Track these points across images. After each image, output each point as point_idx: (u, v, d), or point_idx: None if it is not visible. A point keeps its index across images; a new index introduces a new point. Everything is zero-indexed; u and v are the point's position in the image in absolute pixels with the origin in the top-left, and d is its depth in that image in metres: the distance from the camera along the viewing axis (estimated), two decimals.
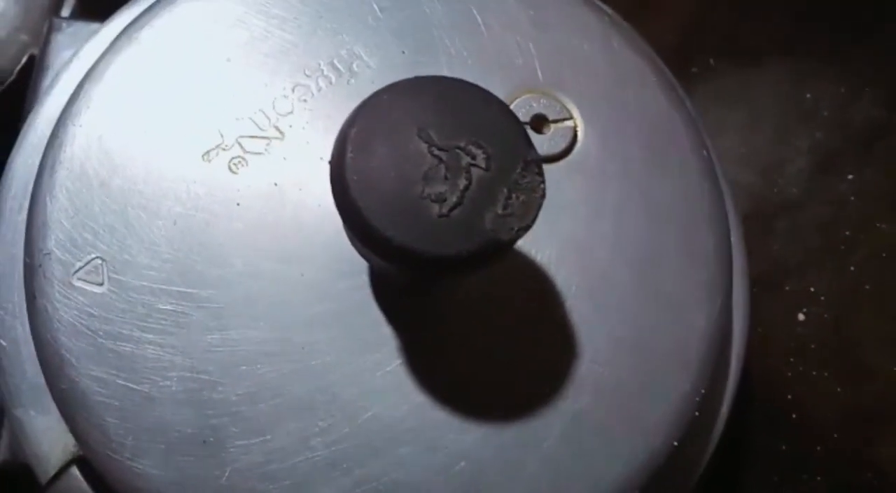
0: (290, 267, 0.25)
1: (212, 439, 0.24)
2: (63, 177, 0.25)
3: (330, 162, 0.20)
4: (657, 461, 0.26)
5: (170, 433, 0.24)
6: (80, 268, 0.24)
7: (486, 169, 0.20)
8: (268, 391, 0.24)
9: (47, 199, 0.25)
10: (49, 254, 0.24)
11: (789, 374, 0.38)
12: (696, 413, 0.27)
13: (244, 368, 0.24)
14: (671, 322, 0.27)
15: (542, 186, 0.20)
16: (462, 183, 0.19)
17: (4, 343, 0.27)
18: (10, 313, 0.27)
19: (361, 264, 0.25)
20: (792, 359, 0.39)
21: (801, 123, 0.43)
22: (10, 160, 0.28)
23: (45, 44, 0.53)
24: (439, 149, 0.19)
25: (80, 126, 0.26)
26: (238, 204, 0.25)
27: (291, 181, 0.26)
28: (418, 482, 0.25)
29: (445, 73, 0.27)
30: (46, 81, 0.55)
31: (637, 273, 0.27)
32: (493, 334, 0.26)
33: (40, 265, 0.24)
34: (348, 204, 0.19)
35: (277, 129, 0.26)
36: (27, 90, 0.52)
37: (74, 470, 0.25)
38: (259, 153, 0.26)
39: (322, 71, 0.27)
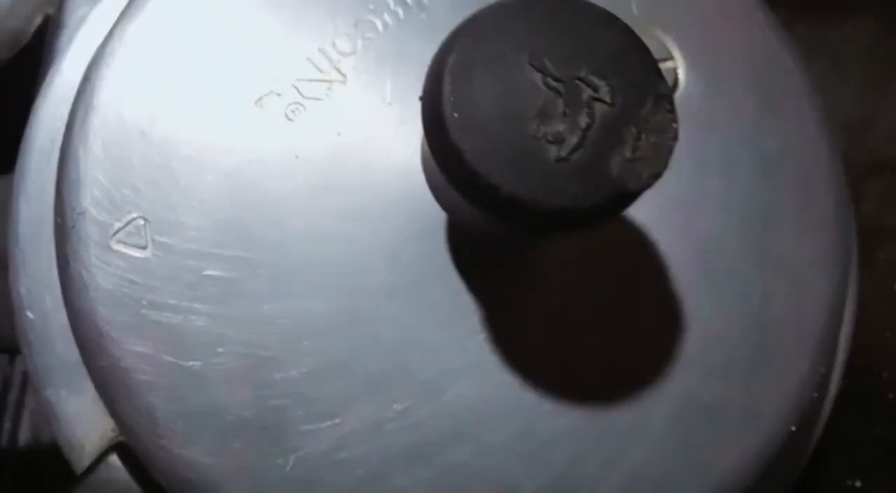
0: (356, 228, 0.22)
1: (272, 423, 0.21)
2: (97, 125, 0.22)
3: (422, 98, 0.17)
4: (772, 449, 0.23)
5: (224, 417, 0.20)
6: (120, 229, 0.21)
7: (611, 104, 0.16)
8: (335, 369, 0.21)
9: (80, 150, 0.22)
10: (84, 213, 0.21)
11: (884, 350, 0.35)
12: (815, 394, 0.24)
13: (307, 342, 0.21)
14: (787, 291, 0.24)
15: (674, 125, 0.17)
16: (584, 120, 0.16)
17: (32, 315, 0.24)
18: (38, 281, 0.24)
19: (438, 224, 0.22)
20: (888, 333, 0.35)
21: (893, 76, 0.39)
22: (33, 110, 0.25)
23: (61, 2, 0.50)
24: (555, 79, 0.16)
25: (114, 68, 0.22)
26: (297, 156, 0.22)
27: (356, 130, 0.22)
28: (506, 473, 0.21)
29: None
30: (65, 38, 0.52)
31: (749, 235, 0.24)
32: (588, 305, 0.23)
33: (74, 226, 0.21)
34: (447, 147, 0.16)
35: (338, 71, 0.23)
36: (43, 52, 0.49)
37: (114, 458, 0.22)
38: (318, 99, 0.23)
39: (388, 4, 0.24)
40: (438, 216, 0.22)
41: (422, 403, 0.21)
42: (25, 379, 0.45)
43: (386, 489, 0.21)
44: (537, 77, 0.16)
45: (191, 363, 0.21)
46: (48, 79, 0.26)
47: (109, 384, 0.21)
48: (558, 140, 0.16)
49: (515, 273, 0.23)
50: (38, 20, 0.53)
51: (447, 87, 0.16)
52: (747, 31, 0.26)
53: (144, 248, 0.21)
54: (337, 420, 0.21)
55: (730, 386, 0.23)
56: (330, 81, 0.23)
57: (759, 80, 0.25)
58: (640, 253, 0.23)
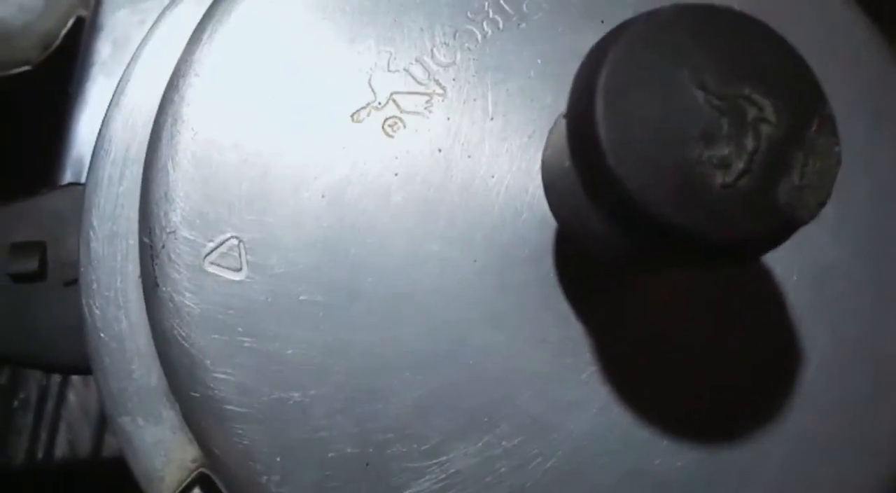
0: (459, 251, 0.21)
1: (376, 460, 0.19)
2: (186, 139, 0.20)
3: (569, 116, 0.15)
4: (891, 486, 0.22)
5: (325, 452, 0.19)
6: (213, 250, 0.20)
7: (777, 125, 0.15)
8: (439, 402, 0.20)
9: (169, 165, 0.20)
10: (174, 233, 0.20)
11: None
12: None
13: (409, 374, 0.20)
14: None
15: (837, 149, 0.16)
16: (750, 143, 0.15)
17: (106, 338, 0.22)
18: (113, 302, 0.23)
19: (545, 248, 0.21)
20: None
21: None
22: (105, 121, 0.24)
23: (96, 2, 0.49)
24: (718, 98, 0.15)
25: (203, 78, 0.21)
26: (396, 174, 0.21)
27: (458, 146, 0.21)
28: None
29: (630, 12, 0.23)
30: (101, 41, 0.50)
31: (862, 264, 0.23)
32: (701, 337, 0.21)
33: (164, 246, 0.20)
34: (600, 171, 0.15)
35: (438, 82, 0.22)
36: (77, 53, 0.48)
37: (198, 492, 0.21)
38: (418, 113, 0.21)
39: (488, 13, 0.22)
40: (545, 240, 0.21)
41: (531, 439, 0.20)
42: (63, 390, 0.44)
43: None
44: (699, 95, 0.15)
45: (290, 394, 0.19)
46: (119, 89, 0.25)
47: (201, 415, 0.19)
48: (724, 165, 0.15)
49: (626, 301, 0.21)
50: (70, 22, 0.51)
51: (600, 105, 0.15)
52: (854, 47, 0.24)
53: (239, 270, 0.20)
54: (443, 458, 0.20)
55: (847, 422, 0.22)
56: (429, 94, 0.21)
57: (869, 100, 0.24)
58: (755, 282, 0.22)
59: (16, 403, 0.43)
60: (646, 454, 0.20)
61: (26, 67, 0.50)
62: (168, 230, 0.20)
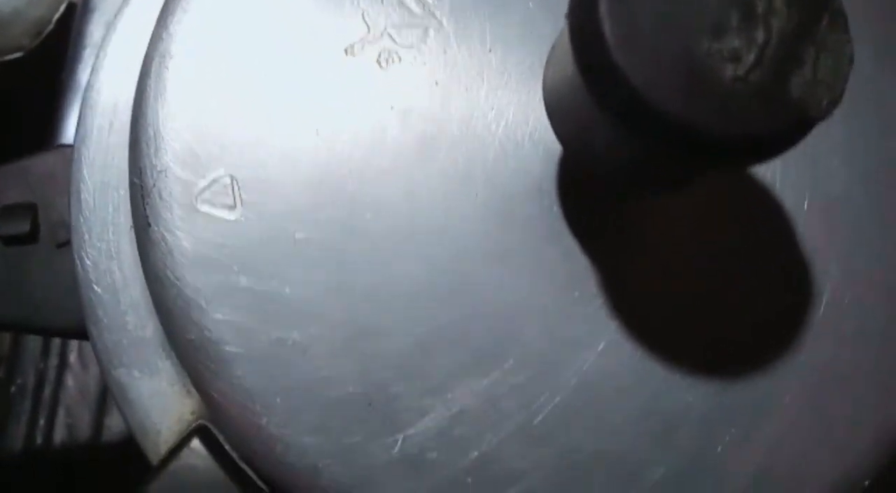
0: (460, 186, 0.20)
1: (378, 400, 0.19)
2: (175, 73, 0.20)
3: (570, 14, 0.15)
4: None
5: (326, 393, 0.18)
6: (206, 188, 0.19)
7: (787, 19, 0.14)
8: (443, 340, 0.19)
9: (157, 103, 0.20)
10: (165, 171, 0.19)
11: None
12: None
13: (412, 311, 0.19)
14: None
15: (849, 47, 0.15)
16: (760, 36, 0.14)
17: (99, 290, 0.22)
18: (105, 254, 0.22)
19: (549, 180, 0.20)
20: None
21: None
22: (94, 70, 0.23)
23: None
24: None
25: (192, 12, 0.20)
26: (392, 108, 0.20)
27: (456, 79, 0.21)
28: (630, 454, 0.19)
29: None
30: (93, 23, 0.50)
31: (873, 192, 0.22)
32: (712, 267, 0.21)
33: (154, 185, 0.19)
34: (604, 67, 0.14)
35: (433, 14, 0.21)
36: (69, 38, 0.47)
37: (196, 444, 0.20)
38: (413, 46, 0.21)
39: None
40: (549, 171, 0.20)
41: (538, 376, 0.19)
42: (61, 374, 0.43)
43: (501, 472, 0.19)
44: None
45: (289, 335, 0.19)
46: (107, 38, 0.24)
47: (197, 359, 0.19)
48: (734, 58, 0.14)
49: (633, 234, 0.21)
50: (62, 7, 0.51)
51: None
52: None
53: (233, 208, 0.19)
54: (448, 396, 0.19)
55: (862, 355, 0.21)
56: (425, 27, 0.21)
57: (877, 24, 0.23)
58: (765, 211, 0.21)
59: (13, 388, 0.42)
60: (658, 390, 0.20)
61: (18, 54, 0.50)
62: (159, 169, 0.19)
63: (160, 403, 0.21)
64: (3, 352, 0.43)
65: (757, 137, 0.14)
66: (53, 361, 0.43)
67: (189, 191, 0.19)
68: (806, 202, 0.21)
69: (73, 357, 0.43)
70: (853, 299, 0.21)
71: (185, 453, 0.20)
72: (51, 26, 0.49)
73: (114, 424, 0.43)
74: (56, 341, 0.43)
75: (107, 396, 0.43)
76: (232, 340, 0.18)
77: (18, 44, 0.50)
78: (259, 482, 0.20)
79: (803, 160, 0.22)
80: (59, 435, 0.42)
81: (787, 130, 0.14)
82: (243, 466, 0.20)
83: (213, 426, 0.21)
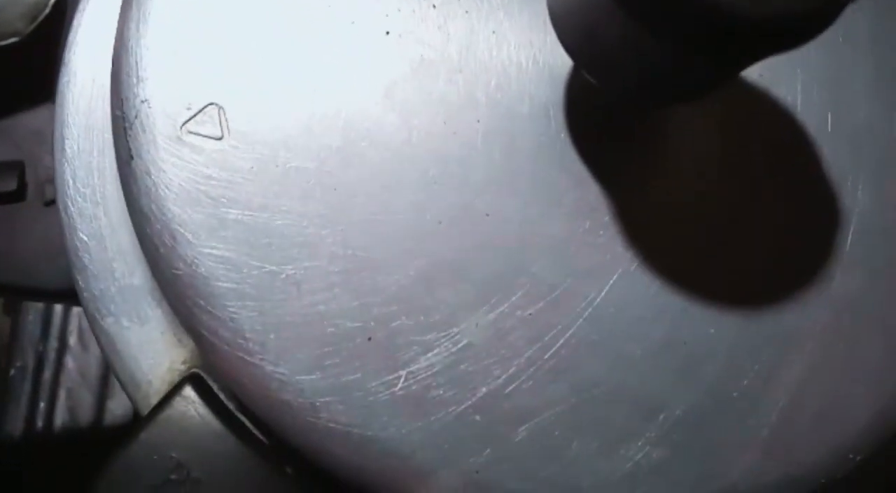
0: (462, 112, 0.19)
1: (379, 334, 0.17)
2: (158, 1, 0.19)
3: None
4: None
5: (323, 328, 0.17)
6: (191, 117, 0.18)
7: None
8: (447, 273, 0.18)
9: (138, 31, 0.19)
10: (147, 101, 0.18)
11: None
12: None
13: (412, 243, 0.18)
14: None
15: None
16: None
17: (85, 237, 0.21)
18: (90, 199, 0.21)
19: (556, 104, 0.19)
20: None
21: None
22: (78, 10, 0.22)
23: None
24: None
25: None
26: (387, 32, 0.19)
27: (455, 1, 0.19)
28: (650, 389, 0.18)
29: None
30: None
31: None
32: (734, 195, 0.20)
33: (137, 116, 0.18)
34: None
35: None
36: (63, 24, 0.46)
37: (189, 391, 0.19)
38: None
39: None
40: (555, 95, 0.19)
41: (549, 310, 0.18)
42: (61, 356, 0.42)
43: (512, 410, 0.18)
44: None
45: (283, 268, 0.17)
46: None
47: (187, 296, 0.18)
48: None
49: (647, 160, 0.19)
50: None
51: None
52: None
53: (220, 138, 0.18)
54: (453, 330, 0.18)
55: (892, 286, 0.20)
56: None
57: None
58: (787, 136, 0.20)
59: (12, 371, 0.42)
60: (678, 323, 0.18)
61: (15, 39, 0.49)
62: (141, 99, 0.18)
63: (150, 353, 0.20)
64: (3, 335, 0.42)
65: (784, 19, 0.13)
66: (53, 343, 0.42)
67: (173, 121, 0.18)
68: (829, 128, 0.20)
69: (73, 339, 0.42)
70: (884, 230, 0.20)
71: (176, 401, 0.19)
72: (47, 10, 0.48)
73: (116, 406, 0.42)
74: (55, 322, 0.42)
75: (109, 378, 0.42)
76: (222, 275, 0.17)
77: (14, 29, 0.49)
78: (253, 429, 0.19)
79: (826, 86, 0.20)
80: (61, 418, 0.41)
81: (816, 11, 0.13)
82: (237, 414, 0.19)
83: (206, 373, 0.20)
